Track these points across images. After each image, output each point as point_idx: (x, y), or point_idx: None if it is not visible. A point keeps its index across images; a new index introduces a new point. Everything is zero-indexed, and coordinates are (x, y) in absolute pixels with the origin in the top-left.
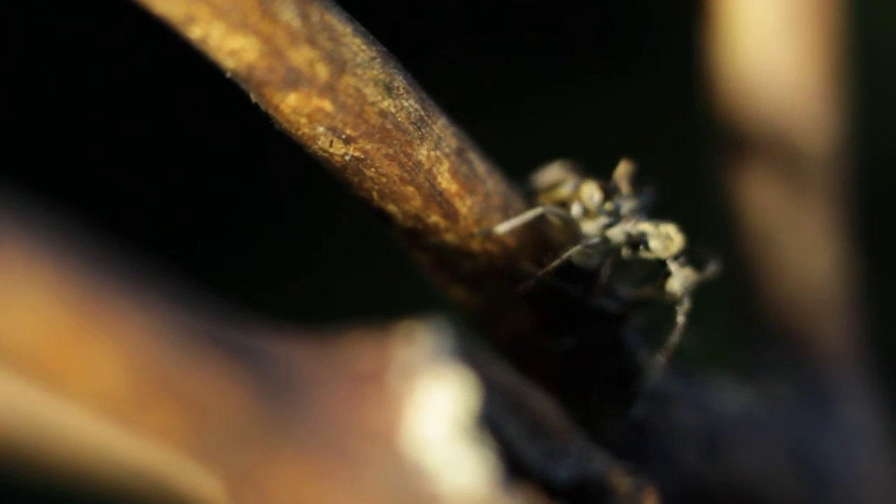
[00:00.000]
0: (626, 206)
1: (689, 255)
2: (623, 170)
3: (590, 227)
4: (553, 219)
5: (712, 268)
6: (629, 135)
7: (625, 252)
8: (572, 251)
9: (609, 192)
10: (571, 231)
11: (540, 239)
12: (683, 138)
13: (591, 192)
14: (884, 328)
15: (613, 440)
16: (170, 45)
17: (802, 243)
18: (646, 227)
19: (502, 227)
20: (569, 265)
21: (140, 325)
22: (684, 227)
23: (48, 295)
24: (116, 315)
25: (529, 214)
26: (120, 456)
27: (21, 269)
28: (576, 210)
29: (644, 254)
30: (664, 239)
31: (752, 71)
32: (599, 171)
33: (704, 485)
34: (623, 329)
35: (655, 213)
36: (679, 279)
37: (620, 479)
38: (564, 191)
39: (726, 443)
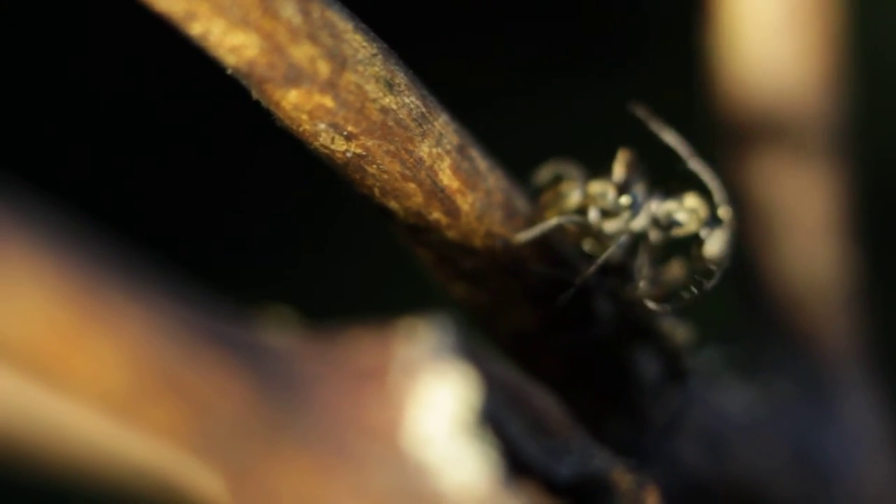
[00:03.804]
0: (641, 192)
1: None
2: (623, 158)
3: (613, 226)
4: (571, 227)
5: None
6: (629, 134)
7: (653, 236)
8: (608, 254)
9: (622, 187)
10: (593, 234)
11: (543, 237)
12: (684, 137)
13: (603, 190)
14: (885, 326)
15: (614, 438)
16: (169, 41)
17: (804, 241)
18: (670, 205)
19: (522, 237)
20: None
21: (141, 322)
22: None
23: (48, 290)
24: (117, 311)
25: (548, 225)
26: (120, 453)
27: (22, 264)
28: (594, 215)
29: (675, 231)
30: (690, 210)
31: (752, 68)
32: (600, 169)
33: (706, 483)
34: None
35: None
36: (716, 240)
37: (622, 477)
38: (574, 198)
39: (728, 440)
